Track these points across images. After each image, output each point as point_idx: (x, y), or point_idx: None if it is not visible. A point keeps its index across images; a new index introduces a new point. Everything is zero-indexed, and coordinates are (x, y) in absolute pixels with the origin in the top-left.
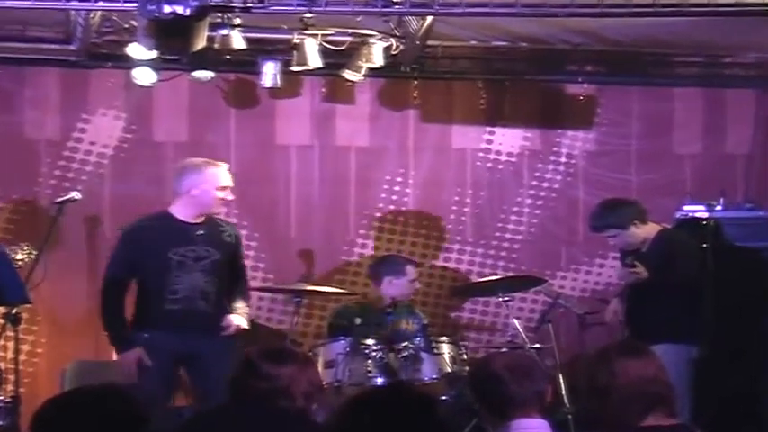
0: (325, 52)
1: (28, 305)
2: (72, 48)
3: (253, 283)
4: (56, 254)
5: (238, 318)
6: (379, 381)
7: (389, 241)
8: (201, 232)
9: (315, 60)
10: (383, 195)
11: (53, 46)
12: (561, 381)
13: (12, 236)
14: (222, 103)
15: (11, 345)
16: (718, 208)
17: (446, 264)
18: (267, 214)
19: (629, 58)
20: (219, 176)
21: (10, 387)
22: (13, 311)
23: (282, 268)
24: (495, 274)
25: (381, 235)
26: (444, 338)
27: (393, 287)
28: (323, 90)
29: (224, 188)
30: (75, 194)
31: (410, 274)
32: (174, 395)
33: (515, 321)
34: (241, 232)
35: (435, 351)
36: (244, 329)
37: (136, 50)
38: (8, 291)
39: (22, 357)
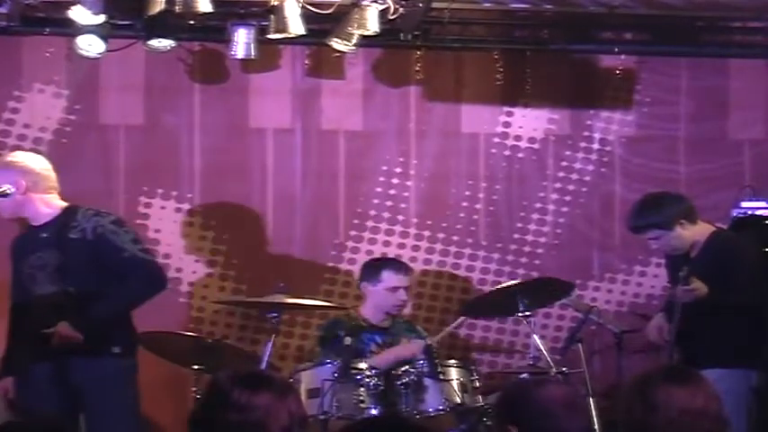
0: (308, 16)
1: None
2: (2, 10)
3: (221, 295)
4: None
5: (62, 326)
6: (374, 413)
7: (386, 245)
8: (45, 235)
9: (296, 26)
10: (379, 189)
11: None
12: (594, 413)
13: None
14: (185, 77)
15: None
16: None
17: (455, 271)
18: (238, 213)
19: (677, 24)
20: None
21: None
22: None
23: (256, 278)
24: None
25: (376, 237)
26: (453, 362)
27: (370, 296)
28: (306, 62)
29: None
30: (6, 187)
31: (387, 281)
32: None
33: (538, 341)
34: (206, 234)
35: (442, 377)
36: (67, 338)
37: (80, 14)
38: None
39: None
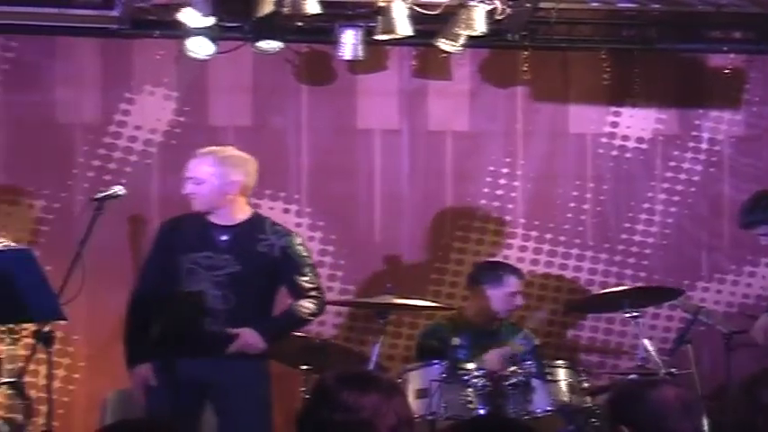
0: (415, 17)
1: (62, 322)
2: (113, 14)
3: (329, 296)
4: (96, 260)
5: (249, 333)
6: (482, 413)
7: (493, 245)
8: (226, 237)
9: (403, 27)
10: (486, 190)
11: (90, 11)
12: (703, 416)
13: (43, 238)
14: (292, 79)
15: (43, 369)
16: None
17: (562, 272)
18: (346, 213)
19: None
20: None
21: (41, 420)
22: (46, 329)
23: (364, 278)
24: (622, 285)
25: (483, 238)
26: (560, 363)
27: (489, 299)
28: (413, 63)
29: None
30: (117, 189)
31: (510, 286)
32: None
33: (647, 342)
34: (313, 235)
35: (549, 378)
36: (250, 346)
37: (189, 17)
38: (35, 306)
39: (56, 384)
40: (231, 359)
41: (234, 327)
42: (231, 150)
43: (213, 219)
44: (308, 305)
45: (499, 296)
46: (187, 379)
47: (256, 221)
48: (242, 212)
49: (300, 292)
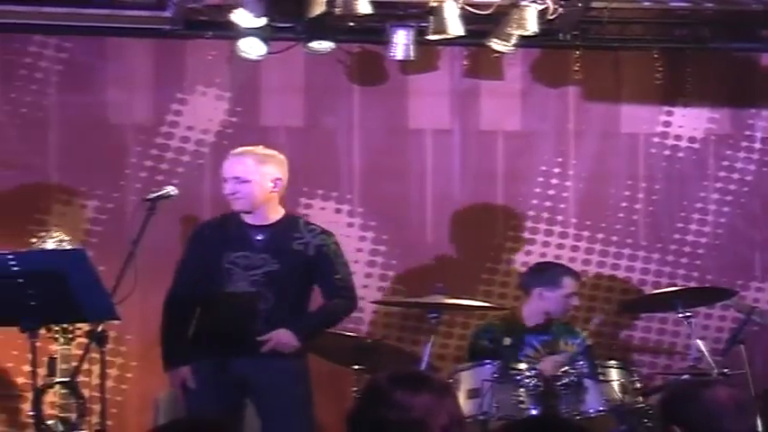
0: (467, 17)
1: (115, 321)
2: (166, 14)
3: (380, 295)
4: (148, 260)
5: (282, 332)
6: (534, 413)
7: (545, 245)
8: (261, 237)
9: (455, 27)
10: (537, 190)
11: (143, 12)
12: (757, 416)
13: (96, 238)
14: (344, 79)
15: (96, 369)
16: None
17: (614, 272)
18: (397, 213)
19: None
20: (223, 167)
21: (95, 419)
22: (99, 328)
23: (416, 278)
24: (674, 285)
25: (535, 238)
26: (613, 363)
27: (544, 301)
28: (465, 63)
29: (224, 180)
30: (170, 189)
31: (567, 287)
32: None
33: (699, 342)
34: (365, 235)
35: (602, 378)
36: (284, 345)
37: (241, 17)
38: (89, 306)
39: (109, 384)
40: (269, 358)
41: (271, 325)
42: (264, 149)
43: (248, 219)
44: (340, 304)
45: (555, 298)
46: (227, 379)
47: (291, 221)
48: (276, 212)
49: (333, 291)
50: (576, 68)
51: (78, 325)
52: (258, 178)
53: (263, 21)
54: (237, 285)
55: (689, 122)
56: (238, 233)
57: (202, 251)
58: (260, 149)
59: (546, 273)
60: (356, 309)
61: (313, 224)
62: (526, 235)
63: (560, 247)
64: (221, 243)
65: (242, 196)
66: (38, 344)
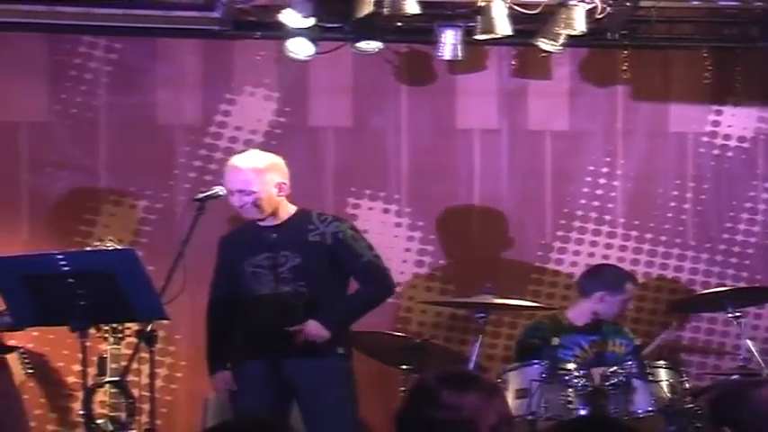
0: (515, 17)
1: (165, 321)
2: (214, 15)
3: (428, 295)
4: (197, 260)
5: (311, 324)
6: (582, 413)
7: (593, 245)
8: (275, 235)
9: (503, 27)
10: (585, 190)
11: (191, 13)
12: None
13: (146, 238)
14: (392, 79)
15: (145, 368)
16: None
17: (663, 272)
18: (445, 213)
19: None
20: (226, 178)
21: (144, 418)
22: (148, 328)
23: (464, 278)
24: (723, 285)
25: (583, 237)
26: (661, 363)
27: (604, 304)
28: (513, 63)
29: (230, 192)
30: (218, 189)
31: (628, 293)
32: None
33: (749, 342)
34: (413, 235)
35: (651, 378)
36: (315, 336)
37: (290, 18)
38: (139, 306)
39: (159, 383)
40: (312, 359)
41: (308, 318)
42: (261, 154)
43: (263, 222)
44: (371, 289)
45: (615, 302)
46: (273, 380)
47: (302, 214)
48: (287, 211)
49: (363, 275)
50: (625, 68)
51: (128, 325)
52: (262, 188)
53: (311, 21)
54: (269, 286)
55: (738, 122)
56: (257, 238)
57: (227, 261)
58: (257, 157)
59: (608, 277)
60: (393, 290)
61: (325, 214)
62: (574, 235)
63: (608, 247)
64: (242, 250)
65: (250, 207)
66: (88, 343)
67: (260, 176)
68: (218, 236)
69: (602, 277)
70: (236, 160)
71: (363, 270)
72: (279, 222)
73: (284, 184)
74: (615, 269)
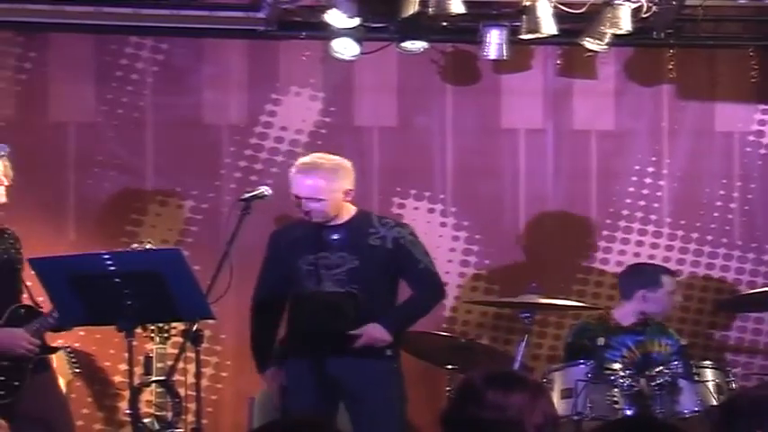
0: (560, 16)
1: (211, 321)
2: (260, 15)
3: (474, 295)
4: (243, 260)
5: (373, 327)
6: (629, 413)
7: (639, 245)
8: (337, 236)
9: (548, 26)
10: (631, 189)
11: (237, 14)
12: None
13: (192, 238)
14: (437, 79)
15: (191, 368)
16: None
17: (709, 272)
18: (491, 213)
19: None
20: (294, 184)
21: (191, 417)
22: (194, 327)
23: (509, 277)
24: None
25: (629, 237)
26: (708, 363)
27: (649, 303)
28: (558, 62)
29: (297, 197)
30: (264, 189)
31: (667, 285)
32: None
33: None
34: (458, 235)
35: (697, 378)
36: (377, 340)
37: (335, 18)
38: (184, 305)
39: (205, 383)
40: (362, 359)
41: (362, 322)
42: (330, 160)
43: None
44: (427, 294)
45: (659, 298)
46: (321, 379)
47: (364, 217)
48: (348, 212)
49: (419, 281)
50: (671, 67)
51: (174, 324)
52: (331, 195)
53: (356, 21)
54: (323, 285)
55: None
56: (314, 236)
57: (279, 256)
58: (326, 162)
59: (644, 274)
60: (445, 296)
61: (386, 218)
62: (620, 235)
63: (654, 246)
64: (297, 247)
65: (317, 213)
66: (134, 343)
67: (330, 184)
68: (269, 232)
69: (637, 276)
70: (304, 167)
71: (420, 276)
72: (340, 223)
73: (351, 190)
74: (647, 266)
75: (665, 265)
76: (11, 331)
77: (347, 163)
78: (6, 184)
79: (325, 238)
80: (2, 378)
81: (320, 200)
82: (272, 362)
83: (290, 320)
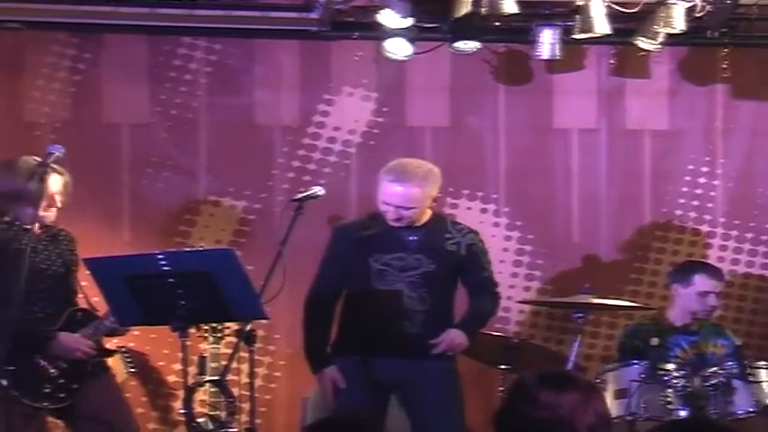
0: (613, 16)
1: (264, 321)
2: (312, 16)
3: (527, 295)
4: (296, 260)
5: (455, 333)
6: (682, 414)
7: (692, 245)
8: (414, 238)
9: (602, 26)
10: (685, 189)
11: (290, 14)
12: None
13: (245, 238)
14: (490, 78)
15: (245, 368)
16: None
17: (764, 272)
18: (544, 213)
19: None
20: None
21: (244, 417)
22: (248, 327)
23: (562, 277)
24: None
25: (683, 237)
26: (763, 363)
27: (680, 298)
28: (611, 62)
29: (385, 203)
30: (317, 190)
31: (698, 285)
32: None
33: None
34: (511, 235)
35: (752, 379)
36: (457, 346)
37: (388, 18)
38: (238, 305)
39: (258, 383)
40: (422, 358)
41: (430, 326)
42: (422, 166)
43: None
44: (491, 301)
45: (689, 295)
46: (379, 378)
47: (440, 221)
48: (425, 214)
49: (482, 288)
50: (725, 66)
51: (227, 324)
52: (421, 204)
53: (409, 21)
54: (394, 287)
55: None
56: (390, 235)
57: (346, 253)
58: (419, 170)
59: (681, 270)
60: (499, 304)
61: (459, 223)
62: (673, 235)
63: (708, 246)
64: (369, 245)
65: (407, 220)
66: (188, 343)
67: (423, 192)
68: (322, 233)
69: (675, 271)
70: (397, 174)
71: (483, 283)
72: (417, 225)
73: (439, 195)
74: (687, 262)
75: (711, 265)
76: (69, 335)
77: (436, 169)
78: (59, 206)
79: (402, 240)
80: (61, 381)
81: (411, 208)
82: (328, 361)
83: (349, 319)
